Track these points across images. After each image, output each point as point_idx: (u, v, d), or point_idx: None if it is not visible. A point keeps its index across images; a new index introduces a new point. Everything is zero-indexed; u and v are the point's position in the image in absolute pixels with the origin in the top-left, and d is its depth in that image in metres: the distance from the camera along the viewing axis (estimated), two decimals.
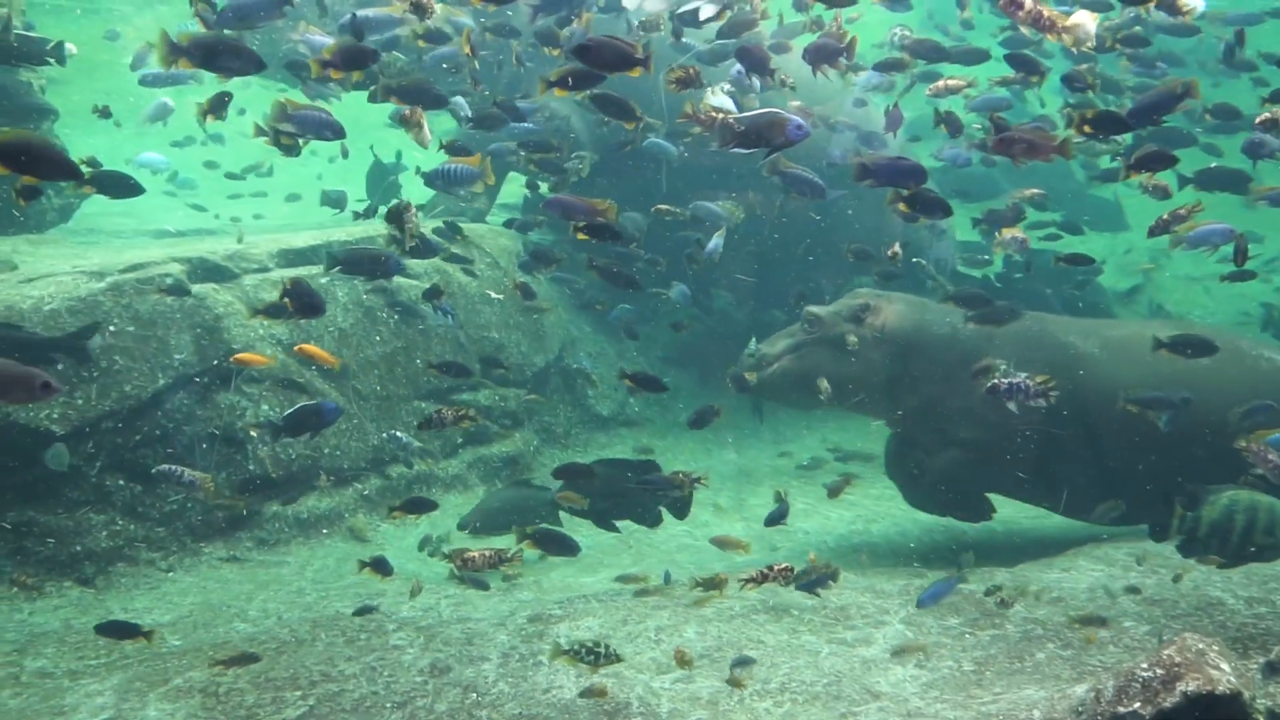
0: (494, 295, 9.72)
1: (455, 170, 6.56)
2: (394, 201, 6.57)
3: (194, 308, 8.10)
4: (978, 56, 8.26)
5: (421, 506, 6.64)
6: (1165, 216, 6.50)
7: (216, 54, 5.08)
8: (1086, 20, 5.30)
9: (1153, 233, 6.61)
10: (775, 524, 7.41)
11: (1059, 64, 8.15)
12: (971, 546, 8.33)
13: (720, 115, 5.08)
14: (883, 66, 8.51)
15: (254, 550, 7.88)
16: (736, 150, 4.89)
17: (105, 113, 9.67)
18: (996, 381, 6.28)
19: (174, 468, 6.28)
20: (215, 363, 8.11)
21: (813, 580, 5.77)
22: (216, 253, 8.86)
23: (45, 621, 6.69)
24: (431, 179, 6.83)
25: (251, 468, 8.03)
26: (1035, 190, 9.10)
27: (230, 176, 14.88)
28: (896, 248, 7.48)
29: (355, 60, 5.77)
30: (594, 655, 5.00)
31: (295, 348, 7.67)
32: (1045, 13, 5.53)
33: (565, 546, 6.10)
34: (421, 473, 9.18)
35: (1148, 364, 7.67)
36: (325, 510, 8.35)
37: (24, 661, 6.03)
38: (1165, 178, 8.00)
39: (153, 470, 6.57)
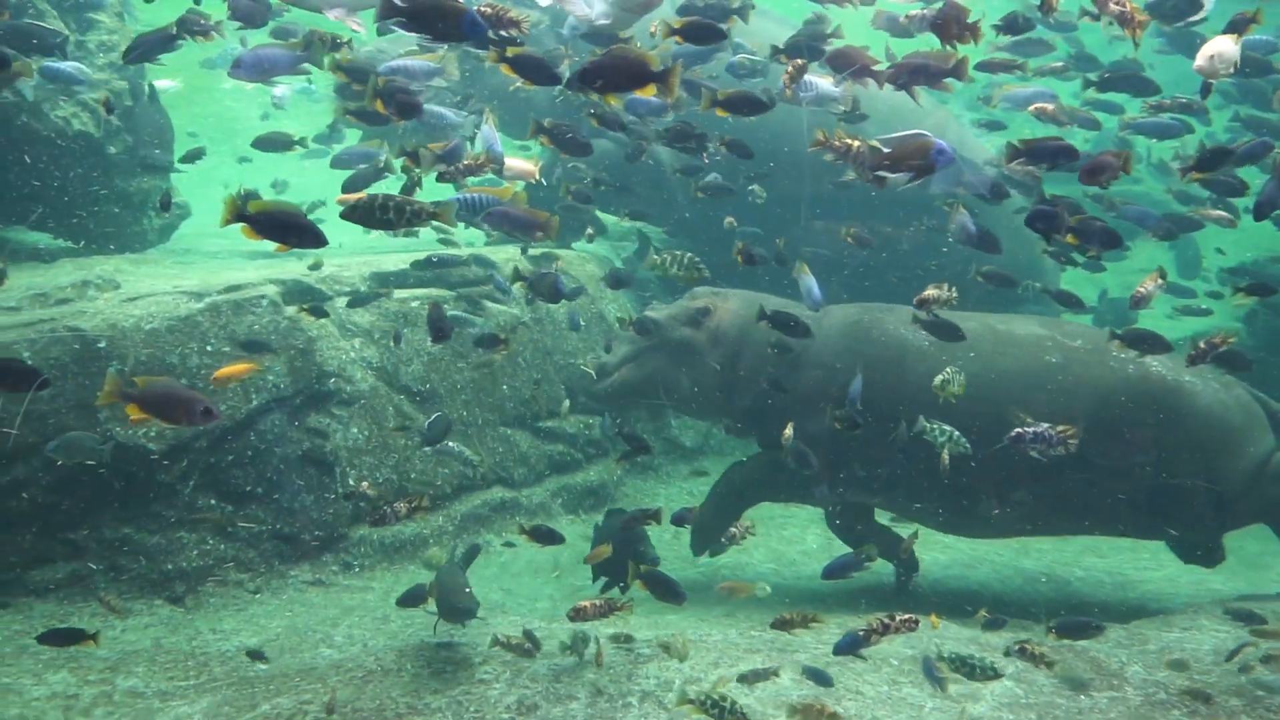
0: (586, 368, 9.52)
1: (479, 200, 5.95)
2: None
3: (289, 329, 8.16)
4: (1150, 88, 7.87)
5: (548, 537, 6.51)
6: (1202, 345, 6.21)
7: (398, 101, 5.94)
8: (1228, 46, 5.01)
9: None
10: (838, 576, 6.57)
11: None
12: (1081, 600, 7.93)
13: (858, 142, 4.86)
14: (989, 67, 8.03)
15: (339, 574, 7.85)
16: (880, 177, 4.66)
17: (197, 155, 9.90)
18: (1021, 431, 5.92)
19: None
20: (315, 384, 8.15)
21: (853, 641, 5.38)
22: (310, 275, 8.93)
23: (137, 639, 6.72)
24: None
25: (339, 490, 8.02)
26: (1223, 213, 8.45)
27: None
28: (933, 292, 6.68)
29: (538, 72, 5.40)
30: (719, 710, 4.76)
31: (212, 377, 6.72)
32: (1128, 7, 5.83)
33: (673, 593, 5.90)
34: (506, 500, 9.08)
35: (983, 357, 7.36)
36: (410, 536, 8.30)
37: (116, 680, 6.05)
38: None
39: None
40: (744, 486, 8.23)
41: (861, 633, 5.24)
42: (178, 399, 4.50)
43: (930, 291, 6.42)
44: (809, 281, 6.95)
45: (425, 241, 10.99)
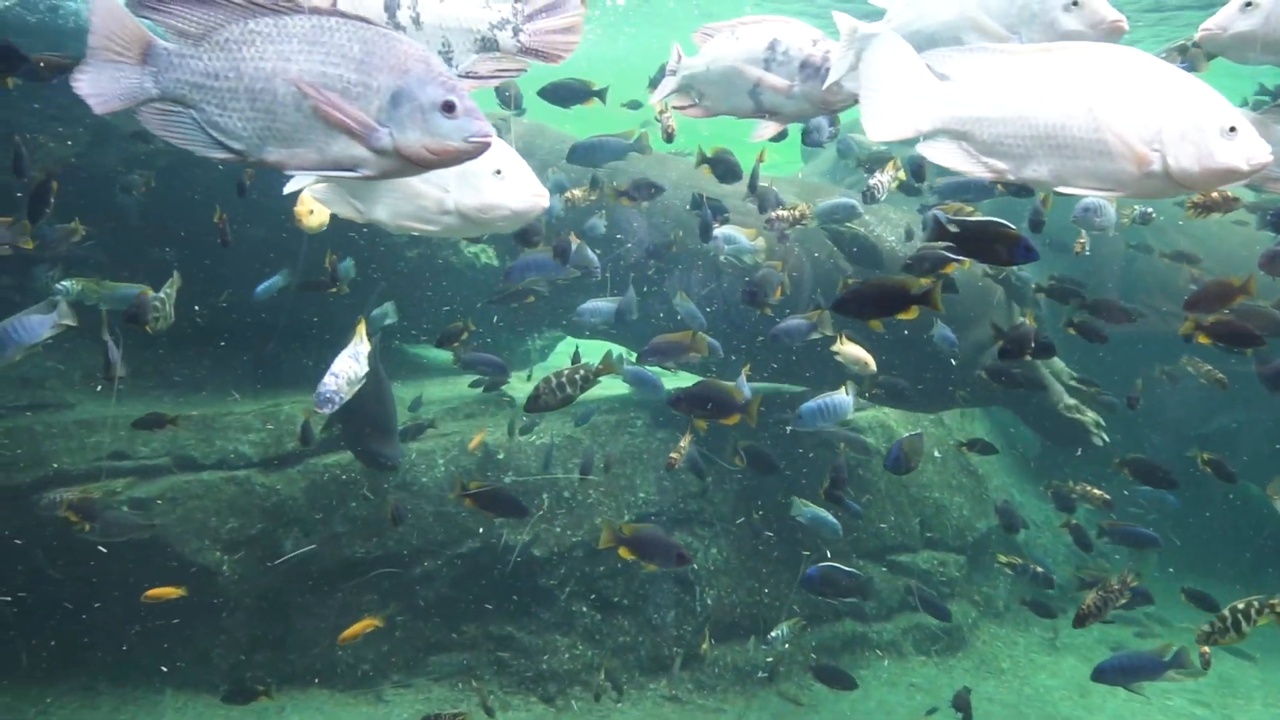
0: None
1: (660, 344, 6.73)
2: None
3: (660, 450, 8.66)
4: None
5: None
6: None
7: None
8: None
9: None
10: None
11: None
12: None
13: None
14: None
15: (694, 693, 8.04)
16: None
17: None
18: None
19: None
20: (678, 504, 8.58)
21: None
22: None
23: None
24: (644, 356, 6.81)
25: (698, 609, 8.28)
26: None
27: None
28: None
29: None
30: None
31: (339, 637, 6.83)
32: None
33: None
34: (855, 633, 8.90)
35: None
36: (759, 661, 8.34)
37: None
38: None
39: None
40: None
41: None
42: (659, 544, 5.59)
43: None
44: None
45: None
